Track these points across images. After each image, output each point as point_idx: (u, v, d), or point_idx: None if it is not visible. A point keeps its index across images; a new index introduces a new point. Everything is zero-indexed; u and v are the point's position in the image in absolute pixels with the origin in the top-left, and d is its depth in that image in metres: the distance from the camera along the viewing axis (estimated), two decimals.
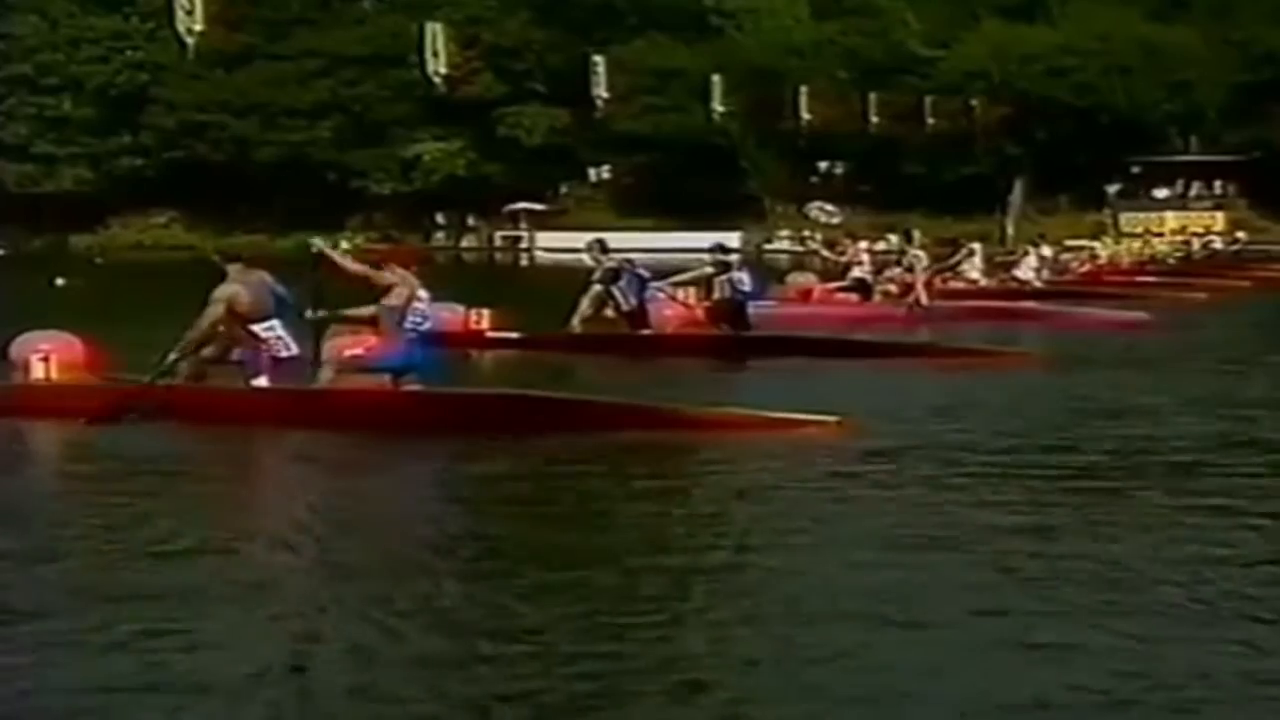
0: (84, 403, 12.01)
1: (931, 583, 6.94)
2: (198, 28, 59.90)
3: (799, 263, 38.57)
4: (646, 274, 19.45)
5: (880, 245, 34.43)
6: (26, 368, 12.58)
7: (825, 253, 31.18)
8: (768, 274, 27.55)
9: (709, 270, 20.04)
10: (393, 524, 8.83)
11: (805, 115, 75.17)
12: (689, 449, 10.73)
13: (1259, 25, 72.89)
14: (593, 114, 74.99)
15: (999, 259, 33.89)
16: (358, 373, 12.40)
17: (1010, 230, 65.76)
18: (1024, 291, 28.49)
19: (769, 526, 8.32)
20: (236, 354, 12.48)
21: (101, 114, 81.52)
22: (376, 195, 78.69)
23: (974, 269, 29.54)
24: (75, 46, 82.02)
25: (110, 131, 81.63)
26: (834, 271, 27.37)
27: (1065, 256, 37.27)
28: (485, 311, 18.98)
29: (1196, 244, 54.69)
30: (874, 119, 74.98)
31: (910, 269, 24.92)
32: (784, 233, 72.77)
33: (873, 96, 75.07)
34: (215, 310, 12.34)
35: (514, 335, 18.62)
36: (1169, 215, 71.74)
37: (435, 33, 70.36)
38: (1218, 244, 57.51)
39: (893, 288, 25.25)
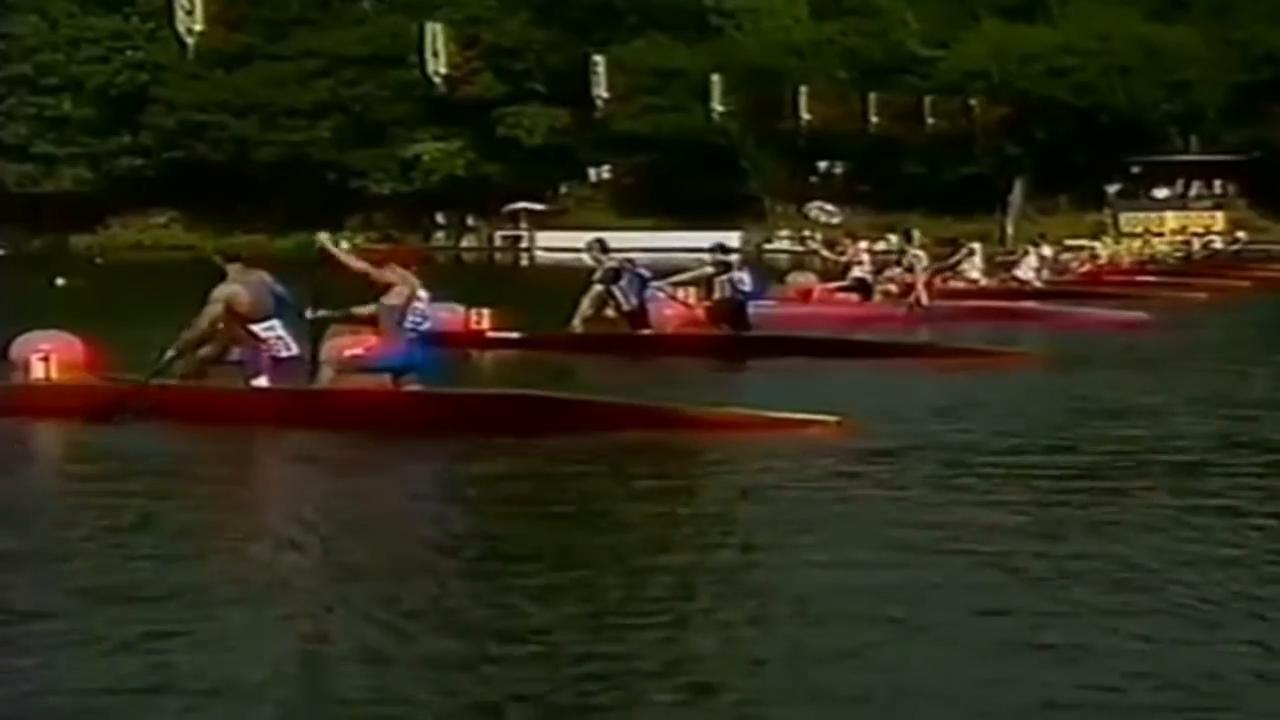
0: (84, 403, 12.03)
1: (938, 583, 6.92)
2: (198, 28, 59.91)
3: (799, 263, 38.57)
4: (647, 274, 19.45)
5: (880, 245, 34.47)
6: (27, 368, 12.57)
7: (825, 253, 31.18)
8: (768, 274, 27.52)
9: (709, 270, 20.04)
10: (397, 524, 8.82)
11: (805, 115, 75.17)
12: (690, 449, 10.72)
13: (1259, 25, 72.88)
14: (593, 114, 74.99)
15: (999, 259, 33.90)
16: (358, 373, 12.39)
17: (1010, 230, 65.76)
18: (1024, 291, 28.48)
19: (773, 527, 8.31)
20: (236, 354, 12.48)
21: (101, 114, 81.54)
22: (376, 195, 78.70)
23: (974, 269, 29.54)
24: (75, 46, 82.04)
25: (110, 131, 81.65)
26: (834, 271, 27.37)
27: (1065, 256, 37.25)
28: (485, 311, 18.97)
29: (1196, 244, 54.71)
30: (874, 119, 74.99)
31: (910, 269, 24.93)
32: (784, 233, 72.82)
33: (872, 96, 75.08)
34: (214, 310, 12.34)
35: (514, 335, 18.62)
36: (1169, 215, 71.72)
37: (435, 33, 70.37)
38: (1218, 244, 57.52)
39: (893, 288, 25.25)
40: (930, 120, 74.81)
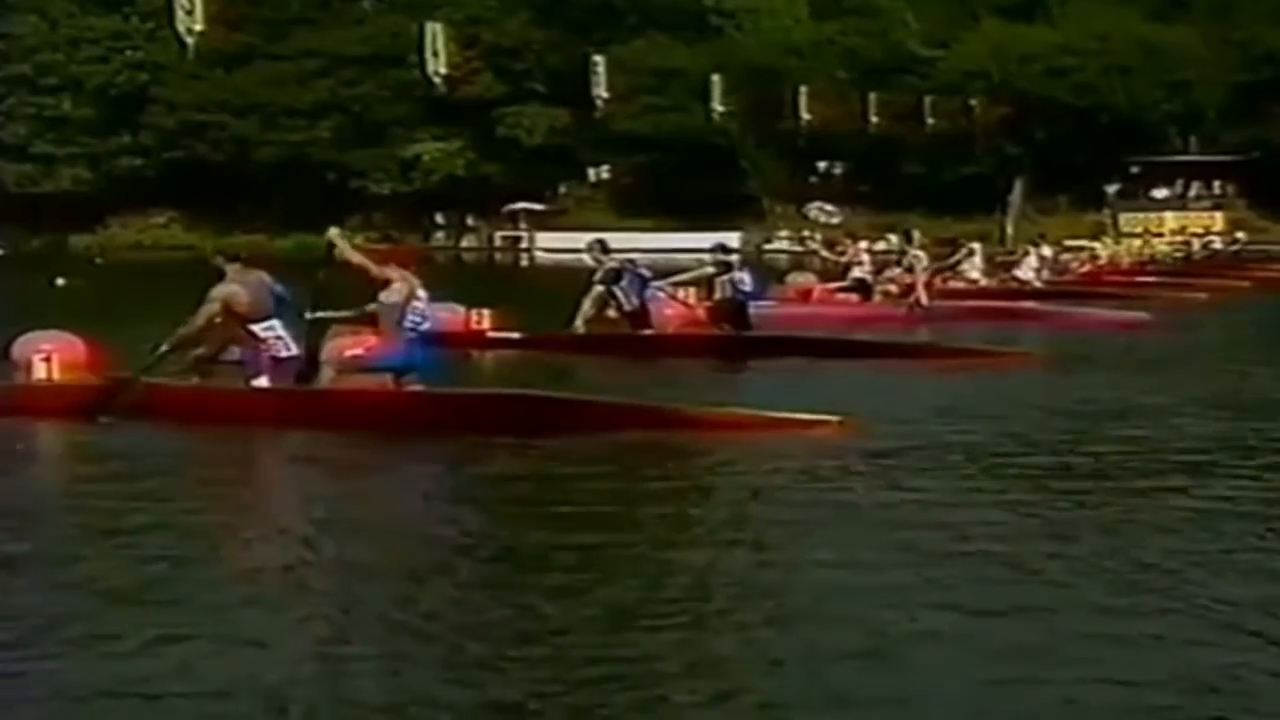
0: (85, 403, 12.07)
1: (950, 584, 6.92)
2: (198, 28, 59.89)
3: (798, 263, 38.60)
4: (648, 274, 19.46)
5: (880, 245, 34.49)
6: (28, 368, 12.58)
7: (825, 253, 31.22)
8: (767, 274, 27.52)
9: (710, 270, 20.04)
10: (407, 525, 8.81)
11: (805, 115, 75.16)
12: (693, 449, 10.70)
13: (1259, 25, 72.87)
14: (592, 114, 74.98)
15: (999, 259, 33.92)
16: (359, 373, 12.40)
17: (1010, 230, 65.77)
18: (1024, 291, 28.48)
19: (783, 527, 8.28)
20: (236, 354, 12.49)
21: (101, 114, 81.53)
22: (376, 195, 78.66)
23: (974, 269, 29.55)
24: (75, 46, 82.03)
25: (110, 131, 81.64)
26: (834, 271, 27.37)
27: (1065, 256, 37.27)
28: (486, 312, 18.98)
29: (1196, 244, 54.75)
30: (874, 119, 74.98)
31: (910, 269, 24.94)
32: (783, 233, 72.89)
33: (872, 96, 75.08)
34: (210, 308, 12.35)
35: (515, 335, 18.63)
36: (1168, 215, 71.73)
37: (435, 33, 70.36)
38: (1217, 244, 57.57)
39: (893, 288, 25.26)
40: (930, 120, 74.80)
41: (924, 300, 23.91)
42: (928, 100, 74.62)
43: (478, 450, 10.71)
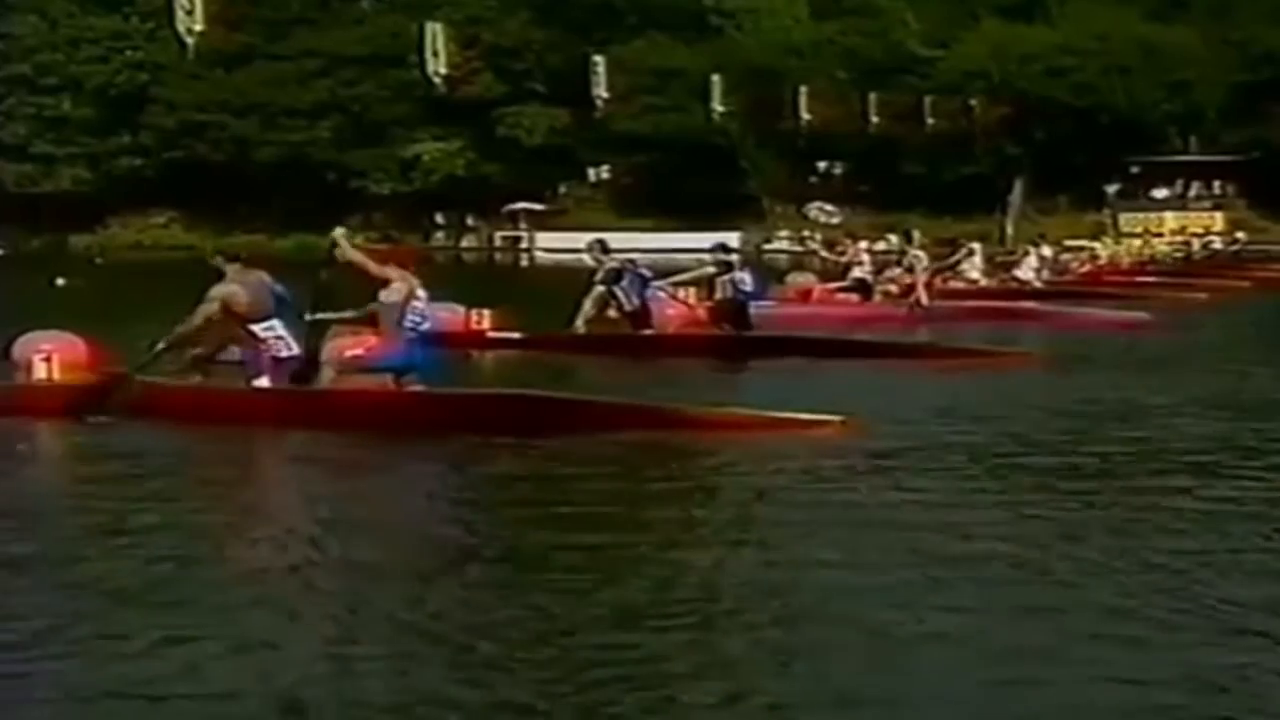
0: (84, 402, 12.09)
1: (956, 583, 6.91)
2: (197, 28, 59.87)
3: (798, 263, 38.60)
4: (648, 274, 19.46)
5: (880, 245, 34.49)
6: (29, 368, 12.58)
7: (824, 253, 31.21)
8: (767, 274, 27.53)
9: (711, 270, 20.04)
10: (410, 526, 8.80)
11: (805, 115, 75.16)
12: (694, 449, 10.69)
13: (1258, 25, 72.86)
14: (592, 114, 74.98)
15: (999, 259, 33.92)
16: (359, 373, 12.40)
17: (1010, 230, 65.77)
18: (1024, 291, 28.48)
19: (788, 528, 8.26)
20: (237, 354, 12.49)
21: (101, 114, 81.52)
22: (376, 195, 78.65)
23: (974, 269, 29.56)
24: (74, 46, 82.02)
25: (109, 131, 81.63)
26: (833, 271, 27.38)
27: (1065, 257, 37.27)
28: (486, 312, 18.98)
29: (1196, 244, 54.74)
30: (873, 119, 74.97)
31: (910, 269, 24.94)
32: (783, 233, 72.86)
33: (872, 96, 75.07)
34: (208, 308, 12.35)
35: (515, 335, 18.63)
36: (1168, 215, 71.72)
37: (435, 33, 70.35)
38: (1217, 244, 57.56)
39: (893, 288, 25.27)
40: (930, 120, 74.79)
41: (924, 300, 23.92)
42: (928, 100, 74.62)
43: (479, 450, 10.70)
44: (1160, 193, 74.88)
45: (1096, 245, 43.50)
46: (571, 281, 20.71)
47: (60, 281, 36.06)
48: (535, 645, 6.03)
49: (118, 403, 11.93)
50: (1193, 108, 74.34)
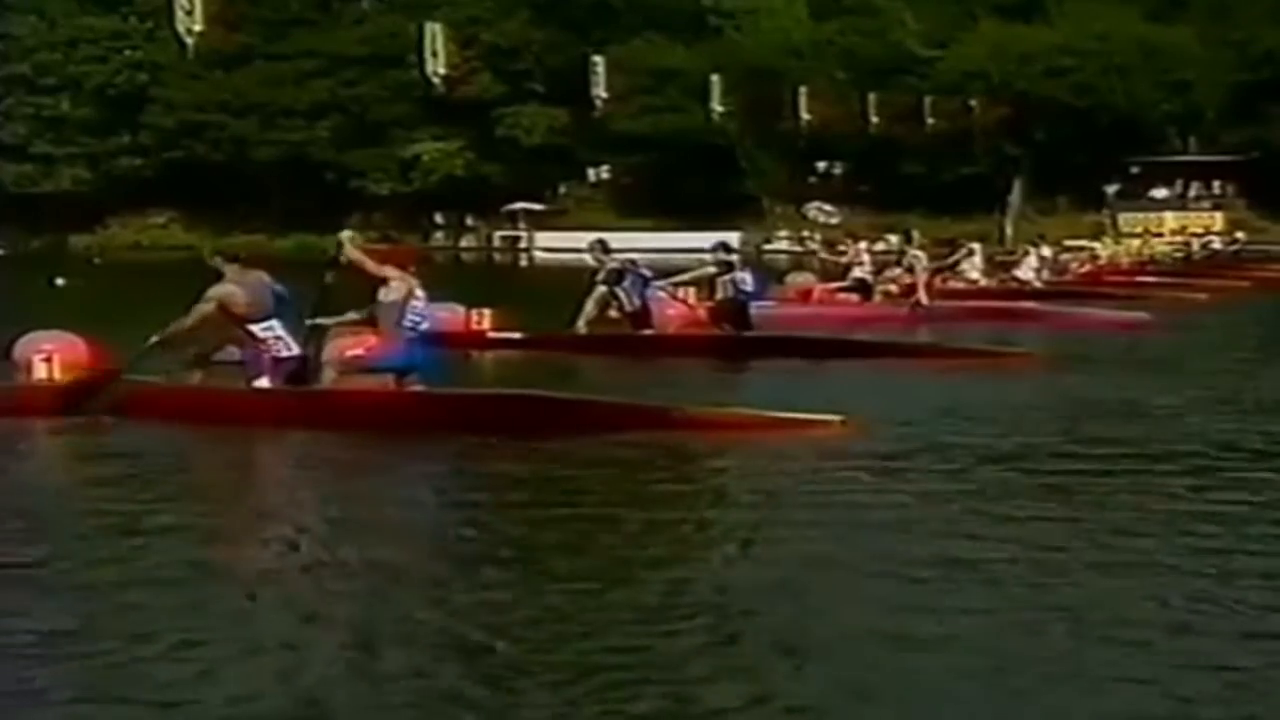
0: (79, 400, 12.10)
1: (967, 585, 6.90)
2: (197, 28, 59.90)
3: (798, 263, 38.60)
4: (649, 274, 19.45)
5: (880, 246, 34.49)
6: (30, 368, 12.58)
7: (824, 253, 31.21)
8: (767, 274, 27.52)
9: (711, 270, 20.02)
10: (419, 526, 8.79)
11: (804, 115, 75.19)
12: (696, 450, 10.66)
13: (1257, 25, 72.88)
14: (591, 114, 75.01)
15: (999, 259, 33.92)
16: (360, 373, 12.39)
17: (1009, 230, 65.81)
18: (1024, 292, 28.46)
19: (793, 528, 8.22)
20: (237, 354, 12.48)
21: (100, 114, 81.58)
22: (375, 195, 78.69)
23: (974, 269, 29.55)
24: (74, 46, 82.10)
25: (109, 131, 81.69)
26: (833, 272, 27.38)
27: (1065, 257, 37.26)
28: (486, 312, 18.97)
29: (1196, 244, 54.74)
30: (873, 119, 75.01)
31: (910, 269, 24.94)
32: (783, 233, 72.89)
33: (872, 96, 75.09)
34: (205, 307, 12.33)
35: (515, 335, 18.62)
36: (1168, 215, 71.74)
37: (434, 33, 70.39)
38: (1217, 244, 57.55)
39: (893, 288, 25.28)
40: (930, 120, 74.81)
41: (924, 300, 23.91)
42: (927, 100, 74.63)
43: (480, 450, 10.67)
44: (1160, 193, 74.89)
45: (1096, 245, 43.49)
46: (571, 281, 20.70)
47: (60, 281, 36.05)
48: (553, 646, 6.02)
49: (108, 401, 11.91)
50: (1192, 108, 74.36)
